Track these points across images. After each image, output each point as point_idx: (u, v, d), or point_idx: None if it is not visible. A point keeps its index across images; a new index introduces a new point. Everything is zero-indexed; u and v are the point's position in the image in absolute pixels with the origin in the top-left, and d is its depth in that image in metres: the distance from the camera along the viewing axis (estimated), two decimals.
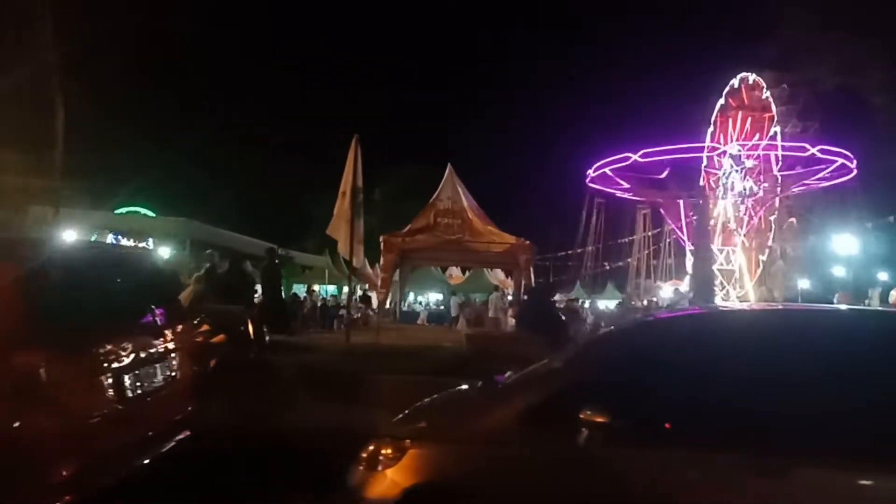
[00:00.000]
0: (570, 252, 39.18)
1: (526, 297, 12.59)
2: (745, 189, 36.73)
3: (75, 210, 17.24)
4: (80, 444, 3.61)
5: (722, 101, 38.23)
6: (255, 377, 6.73)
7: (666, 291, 38.89)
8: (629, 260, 41.59)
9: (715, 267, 36.01)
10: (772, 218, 34.86)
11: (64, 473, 3.50)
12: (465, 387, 4.65)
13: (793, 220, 35.05)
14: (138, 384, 4.07)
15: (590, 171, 35.69)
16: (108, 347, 3.90)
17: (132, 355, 4.05)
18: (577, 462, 3.32)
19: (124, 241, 14.45)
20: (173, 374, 4.47)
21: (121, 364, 3.94)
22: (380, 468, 3.67)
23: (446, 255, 16.41)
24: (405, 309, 31.01)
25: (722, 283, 36.53)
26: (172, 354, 4.51)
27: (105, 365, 3.83)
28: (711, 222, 38.02)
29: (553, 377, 3.78)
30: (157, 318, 4.58)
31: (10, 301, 3.45)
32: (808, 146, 30.24)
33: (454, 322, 22.25)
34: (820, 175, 31.92)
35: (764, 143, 34.82)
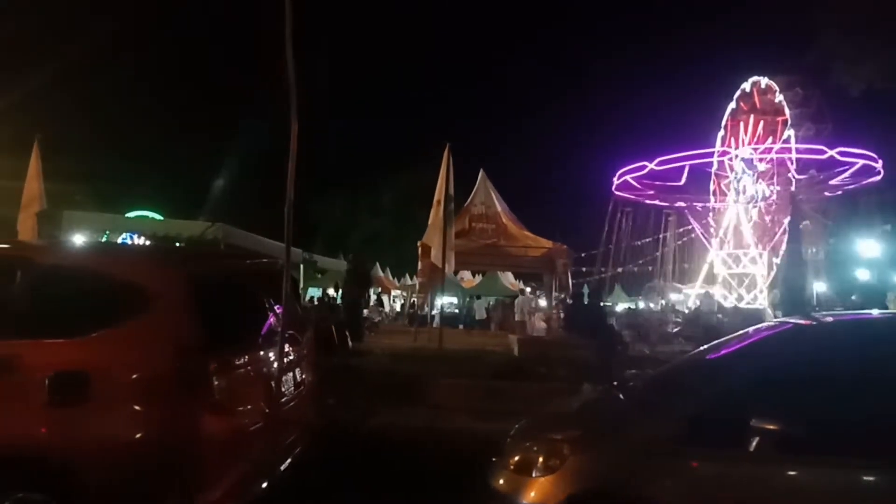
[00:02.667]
0: (583, 255, 39.19)
1: (571, 302, 12.63)
2: (756, 192, 36.88)
3: (90, 213, 17.19)
4: (244, 451, 3.65)
5: (733, 104, 38.38)
6: (339, 382, 6.77)
7: (677, 294, 38.99)
8: (641, 262, 41.66)
9: (729, 271, 36.15)
10: (785, 221, 34.92)
11: (231, 481, 3.54)
12: (595, 390, 4.69)
13: (807, 222, 35.12)
14: (283, 391, 4.12)
15: (615, 180, 35.82)
16: (261, 354, 3.94)
17: (278, 362, 4.08)
18: (748, 469, 3.36)
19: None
20: (302, 380, 4.51)
21: (270, 371, 3.98)
22: (535, 473, 3.71)
23: (482, 260, 16.42)
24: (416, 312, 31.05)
25: (731, 287, 36.68)
26: (302, 361, 4.55)
27: (260, 372, 3.87)
28: (724, 226, 38.31)
29: (718, 382, 3.81)
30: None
31: (181, 308, 3.48)
32: (866, 153, 30.25)
33: (480, 325, 22.30)
34: (843, 177, 32.02)
35: (778, 145, 34.98)
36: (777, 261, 34.74)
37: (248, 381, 3.77)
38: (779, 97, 35.33)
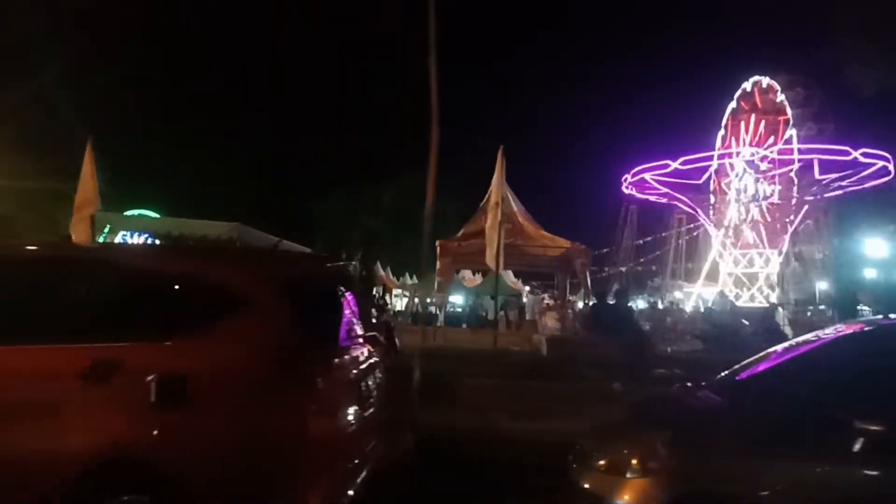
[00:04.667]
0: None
1: (595, 302, 12.62)
2: (758, 191, 37.06)
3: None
4: (344, 454, 3.63)
5: (733, 104, 38.56)
6: (394, 382, 6.72)
7: (679, 293, 39.13)
8: (642, 261, 41.82)
9: (734, 270, 36.28)
10: (788, 220, 35.15)
11: (332, 485, 3.52)
12: (674, 389, 4.69)
13: (809, 221, 35.38)
14: (371, 391, 4.11)
15: (623, 183, 36.06)
16: (352, 356, 3.92)
17: (366, 362, 4.08)
18: (852, 470, 3.37)
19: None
20: (381, 381, 4.49)
21: (359, 372, 3.97)
22: (629, 475, 3.70)
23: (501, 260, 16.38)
24: (420, 311, 31.00)
25: (730, 285, 36.81)
26: (381, 362, 4.53)
27: (352, 373, 3.85)
28: (724, 225, 38.48)
29: (811, 382, 3.81)
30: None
31: (282, 309, 3.46)
32: (850, 150, 30.39)
33: (492, 325, 22.27)
34: (850, 176, 32.21)
35: (775, 145, 35.16)
36: (780, 259, 34.98)
37: (343, 383, 3.75)
38: (780, 97, 35.54)
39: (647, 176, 34.46)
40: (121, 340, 3.34)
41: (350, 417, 3.76)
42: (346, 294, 4.29)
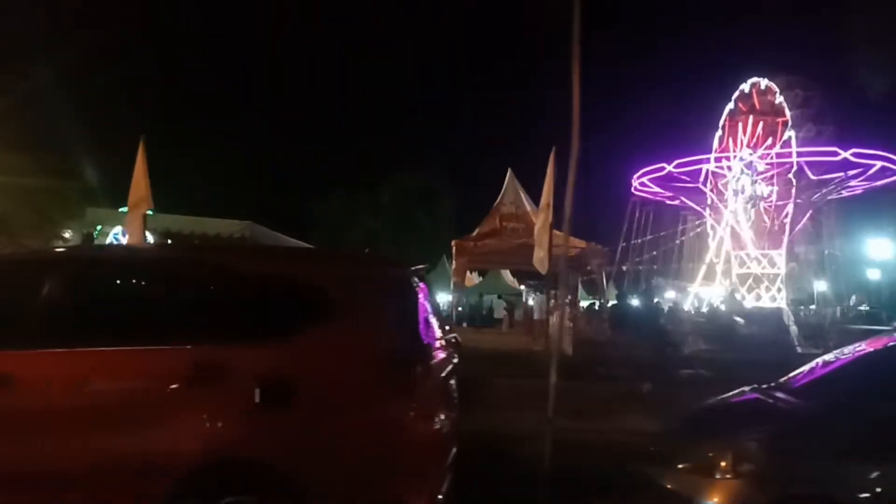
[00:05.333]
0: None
1: (617, 302, 12.68)
2: (755, 192, 37.27)
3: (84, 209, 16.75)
4: (441, 457, 3.63)
5: (731, 105, 38.76)
6: None
7: (677, 293, 39.27)
8: (638, 261, 41.99)
9: (753, 270, 36.39)
10: (786, 221, 35.37)
11: (433, 488, 3.51)
12: (746, 390, 4.69)
13: (808, 222, 35.62)
14: (454, 392, 4.11)
15: (634, 182, 36.23)
16: (441, 358, 3.91)
17: (448, 364, 4.07)
18: None
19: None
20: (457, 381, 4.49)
21: (448, 373, 3.97)
22: (719, 476, 3.72)
23: (515, 259, 16.35)
24: None
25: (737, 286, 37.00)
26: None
27: (441, 376, 3.85)
28: (721, 225, 38.71)
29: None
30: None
31: (382, 310, 3.46)
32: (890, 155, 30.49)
33: (498, 325, 22.33)
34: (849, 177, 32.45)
35: (773, 147, 35.42)
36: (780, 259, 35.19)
37: (435, 385, 3.73)
38: (779, 98, 35.75)
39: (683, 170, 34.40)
40: (226, 343, 3.31)
41: (441, 418, 3.75)
42: (426, 297, 4.28)
